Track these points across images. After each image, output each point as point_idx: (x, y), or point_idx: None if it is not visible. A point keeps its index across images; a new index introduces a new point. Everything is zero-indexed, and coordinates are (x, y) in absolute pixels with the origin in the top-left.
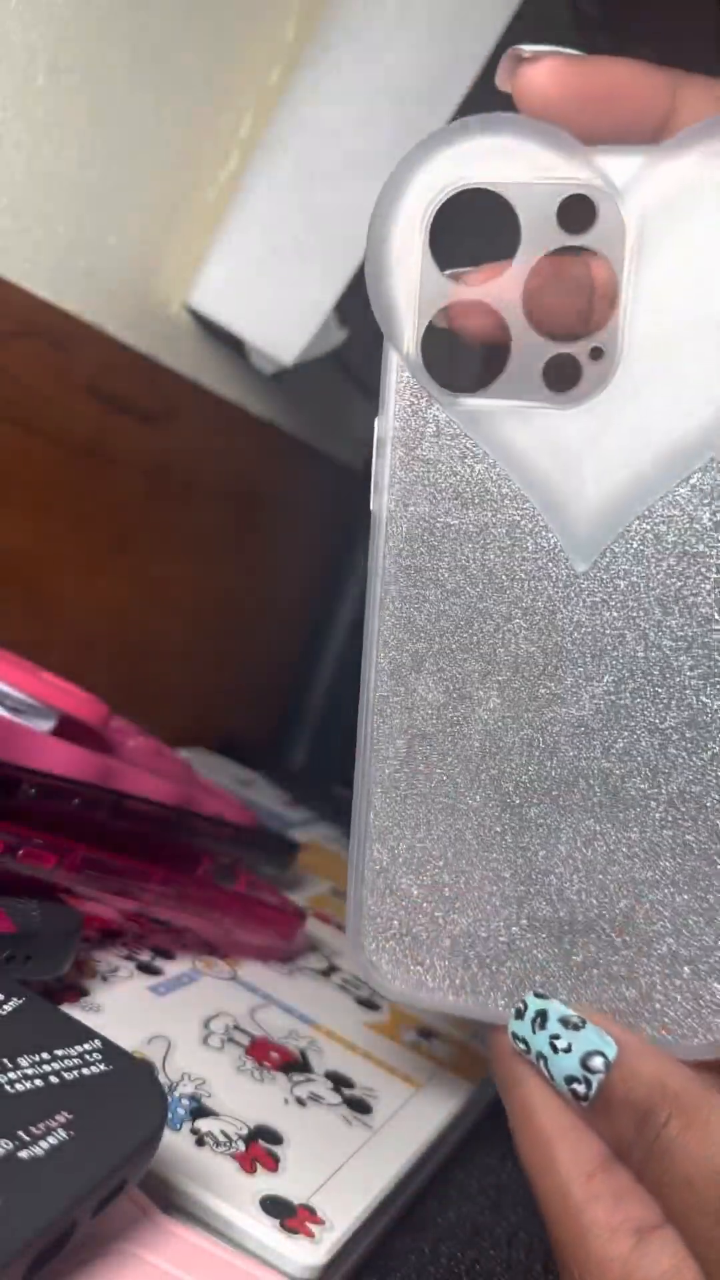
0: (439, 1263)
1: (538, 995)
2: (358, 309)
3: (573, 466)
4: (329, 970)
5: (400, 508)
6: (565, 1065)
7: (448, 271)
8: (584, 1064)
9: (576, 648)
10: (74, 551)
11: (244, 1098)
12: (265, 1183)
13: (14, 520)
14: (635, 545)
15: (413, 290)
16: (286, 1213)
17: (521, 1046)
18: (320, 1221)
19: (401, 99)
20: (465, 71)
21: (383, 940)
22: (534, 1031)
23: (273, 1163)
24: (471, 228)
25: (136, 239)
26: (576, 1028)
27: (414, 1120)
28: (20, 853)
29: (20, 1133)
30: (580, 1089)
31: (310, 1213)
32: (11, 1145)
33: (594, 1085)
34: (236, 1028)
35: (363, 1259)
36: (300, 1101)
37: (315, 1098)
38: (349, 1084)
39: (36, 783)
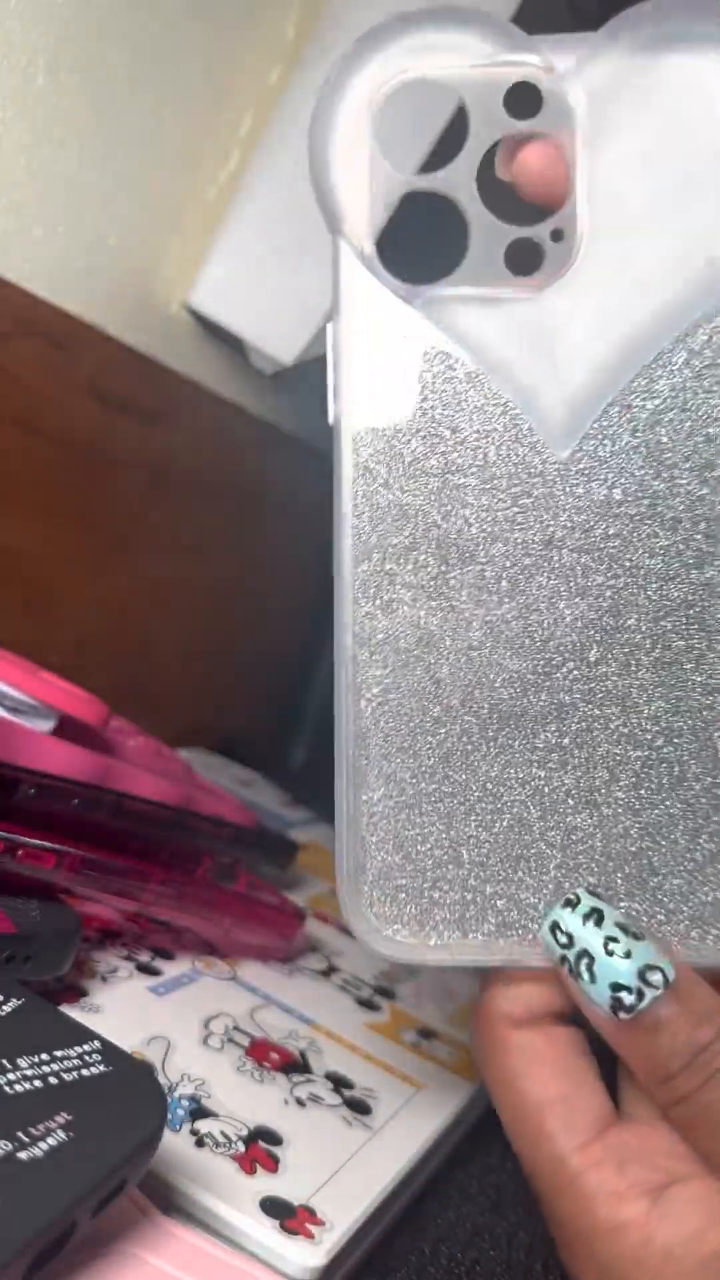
0: (439, 1263)
1: (592, 893)
2: None
3: (544, 352)
4: (329, 970)
5: (363, 415)
6: (618, 970)
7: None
8: (642, 976)
9: (566, 538)
10: (74, 551)
11: (244, 1098)
12: (265, 1183)
13: (14, 520)
14: (613, 427)
15: (363, 183)
16: (286, 1213)
17: (560, 940)
18: (320, 1222)
19: None
20: None
21: (380, 890)
22: (584, 926)
23: (272, 1163)
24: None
25: (136, 239)
26: (636, 937)
27: (414, 1121)
28: (20, 853)
29: (19, 1133)
30: (628, 999)
31: (310, 1213)
32: (11, 1146)
33: (646, 999)
34: (236, 1028)
35: (363, 1260)
36: (300, 1102)
37: (315, 1098)
38: (349, 1085)
39: (36, 783)
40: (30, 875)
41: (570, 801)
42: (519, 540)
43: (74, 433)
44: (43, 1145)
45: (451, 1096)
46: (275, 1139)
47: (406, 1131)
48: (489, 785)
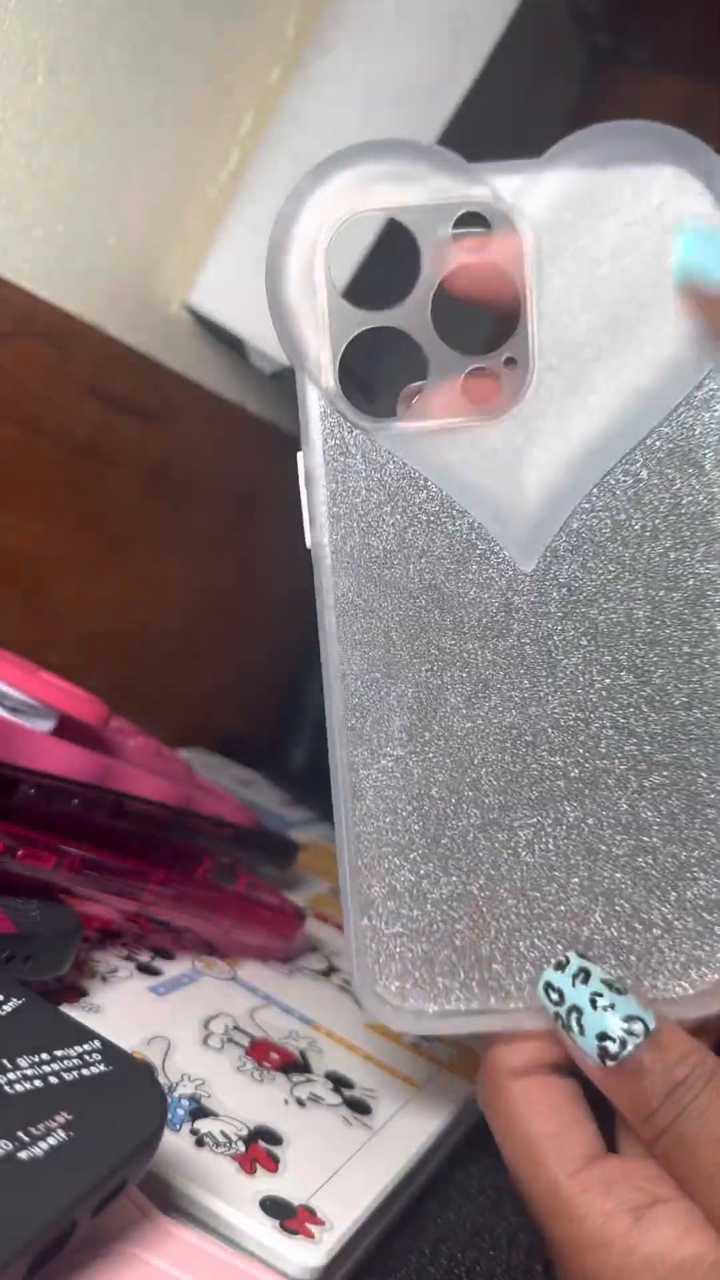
0: (439, 1263)
1: (581, 955)
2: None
3: (506, 475)
4: (329, 970)
5: (341, 542)
6: (603, 1022)
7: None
8: (625, 1026)
9: (536, 642)
10: (74, 551)
11: (244, 1098)
12: (265, 1183)
13: (14, 520)
14: (573, 540)
15: (322, 322)
16: (286, 1213)
17: (553, 998)
18: (320, 1222)
19: (401, 98)
20: (465, 70)
21: (388, 970)
22: (573, 985)
23: (272, 1163)
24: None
25: (136, 238)
26: (620, 992)
27: (414, 1121)
28: (20, 853)
29: (20, 1133)
30: (612, 1047)
31: (310, 1213)
32: (11, 1146)
33: (629, 1047)
34: (236, 1028)
35: (363, 1260)
36: (300, 1102)
37: (315, 1098)
38: (349, 1084)
39: (36, 783)
40: (30, 875)
41: (555, 879)
42: (494, 646)
43: (74, 433)
44: (43, 1145)
45: (451, 1097)
46: (275, 1139)
47: (406, 1131)
48: (480, 871)
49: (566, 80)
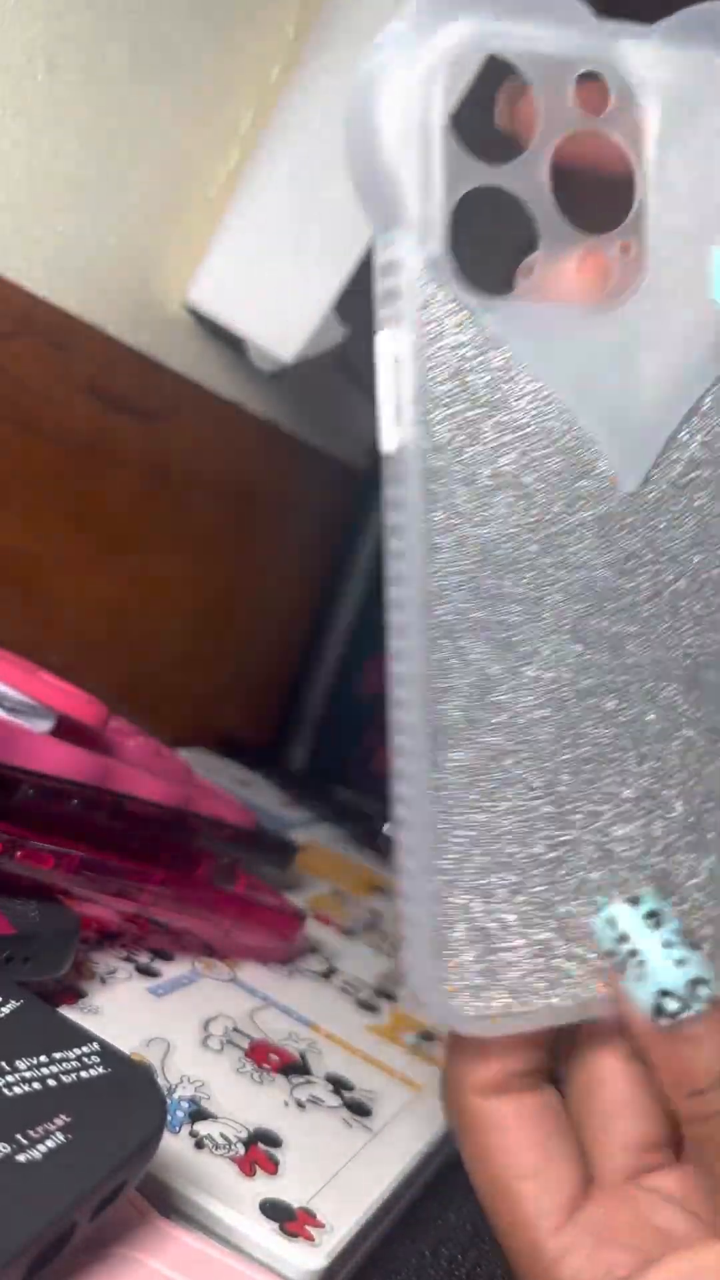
0: (439, 1265)
1: (657, 895)
2: (358, 306)
3: (614, 375)
4: (329, 972)
5: (436, 440)
6: (671, 977)
7: None
8: (691, 986)
9: (638, 581)
10: (73, 551)
11: (243, 1100)
12: (265, 1186)
13: (14, 520)
14: (687, 454)
15: (434, 171)
16: (286, 1216)
17: (610, 935)
18: (320, 1225)
19: None
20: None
21: (460, 967)
22: (643, 925)
23: (272, 1166)
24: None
25: (136, 237)
26: (695, 947)
27: (414, 1122)
28: (19, 854)
29: (18, 1136)
30: (671, 1005)
31: (310, 1216)
32: (9, 1148)
33: (693, 1009)
34: (236, 1030)
35: (363, 1262)
36: (300, 1104)
37: (315, 1100)
38: (349, 1086)
39: (35, 784)
40: (29, 876)
41: (632, 851)
42: (594, 583)
43: (73, 432)
44: (41, 1148)
45: None
46: (275, 1141)
47: (406, 1133)
48: (554, 858)
49: None
